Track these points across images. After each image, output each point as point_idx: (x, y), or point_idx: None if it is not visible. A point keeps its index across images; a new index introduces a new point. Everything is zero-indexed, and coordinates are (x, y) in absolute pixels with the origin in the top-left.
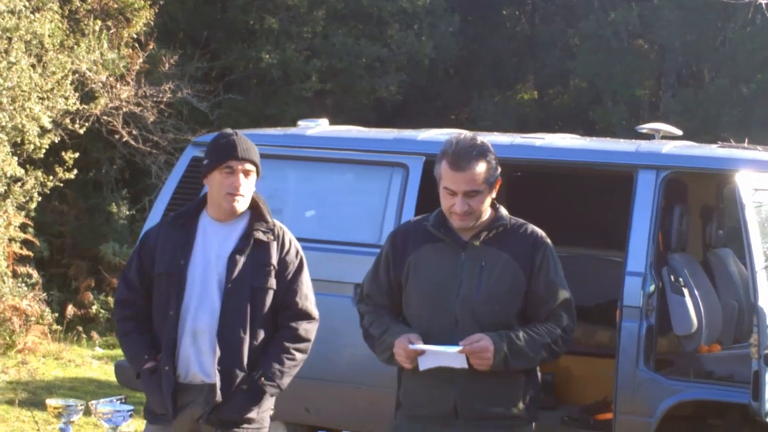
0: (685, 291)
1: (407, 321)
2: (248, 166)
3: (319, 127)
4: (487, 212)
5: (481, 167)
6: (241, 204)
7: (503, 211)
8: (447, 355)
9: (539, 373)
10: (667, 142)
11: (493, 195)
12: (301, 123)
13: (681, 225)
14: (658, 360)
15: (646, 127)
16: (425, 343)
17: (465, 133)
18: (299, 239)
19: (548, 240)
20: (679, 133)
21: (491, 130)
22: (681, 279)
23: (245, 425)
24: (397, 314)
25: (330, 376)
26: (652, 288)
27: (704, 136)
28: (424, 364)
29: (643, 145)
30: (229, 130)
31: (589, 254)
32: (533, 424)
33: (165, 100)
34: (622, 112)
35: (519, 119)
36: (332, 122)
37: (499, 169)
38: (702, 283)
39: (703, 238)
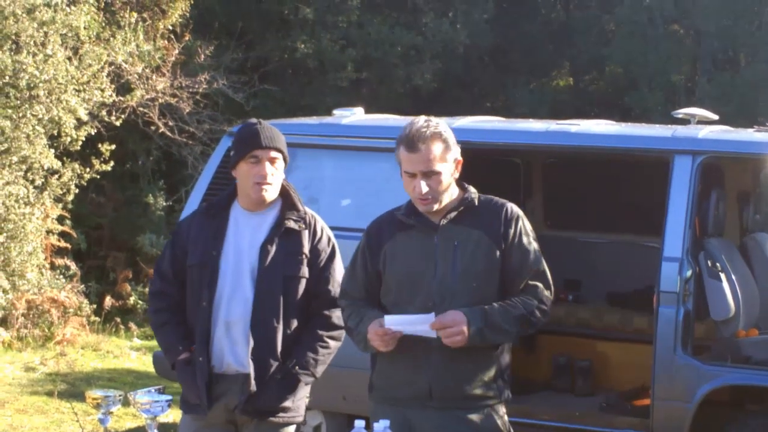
0: (722, 276)
1: (387, 310)
2: (273, 154)
3: (354, 116)
4: (452, 193)
5: (436, 147)
6: (270, 193)
7: (471, 189)
8: (419, 323)
9: (509, 353)
10: (703, 127)
11: (455, 175)
12: (337, 112)
13: (717, 210)
14: (695, 345)
15: (681, 112)
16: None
17: (421, 117)
18: (335, 228)
19: (520, 212)
20: (715, 117)
21: (527, 117)
22: (718, 264)
23: (281, 414)
24: (374, 306)
25: (367, 365)
26: (689, 273)
27: (740, 121)
28: (395, 325)
29: (680, 130)
30: (253, 120)
31: (625, 240)
32: (503, 406)
33: (201, 91)
34: (658, 98)
35: (554, 106)
36: (368, 111)
37: (458, 149)
38: (739, 268)
39: (739, 223)
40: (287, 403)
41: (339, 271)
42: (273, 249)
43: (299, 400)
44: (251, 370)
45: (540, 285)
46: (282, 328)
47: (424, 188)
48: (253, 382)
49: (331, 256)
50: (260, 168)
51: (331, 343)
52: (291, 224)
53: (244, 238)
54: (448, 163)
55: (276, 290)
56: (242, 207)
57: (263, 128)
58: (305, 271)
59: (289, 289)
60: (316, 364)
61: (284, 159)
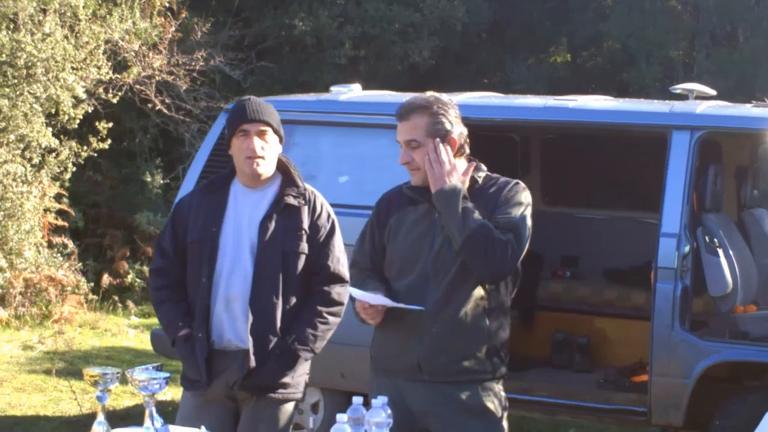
0: (720, 252)
1: (390, 283)
2: (262, 127)
3: (351, 92)
4: (458, 169)
5: (422, 119)
6: (263, 167)
7: (482, 168)
8: (377, 301)
9: (508, 330)
10: (701, 103)
11: (459, 152)
12: (334, 89)
13: (715, 185)
14: (693, 321)
15: (679, 87)
16: (396, 300)
17: (426, 93)
18: (333, 205)
19: (520, 184)
20: (714, 93)
21: (525, 93)
22: (716, 240)
23: (280, 390)
24: (380, 278)
25: (366, 342)
26: (686, 249)
27: (739, 97)
28: (362, 298)
29: (677, 106)
30: (244, 97)
31: (623, 216)
32: (501, 380)
33: (197, 68)
34: (656, 74)
35: (552, 82)
36: (365, 88)
37: (457, 129)
38: (737, 244)
39: (737, 199)
40: (286, 379)
41: (339, 247)
42: (272, 225)
43: (299, 377)
44: (251, 346)
45: (510, 233)
46: (281, 304)
47: (406, 158)
48: (252, 357)
49: (331, 232)
50: (249, 142)
51: (331, 318)
52: (290, 200)
53: (244, 215)
54: (435, 137)
55: (275, 266)
56: (241, 184)
57: (250, 102)
58: (305, 247)
59: (288, 265)
60: (315, 340)
61: (276, 133)
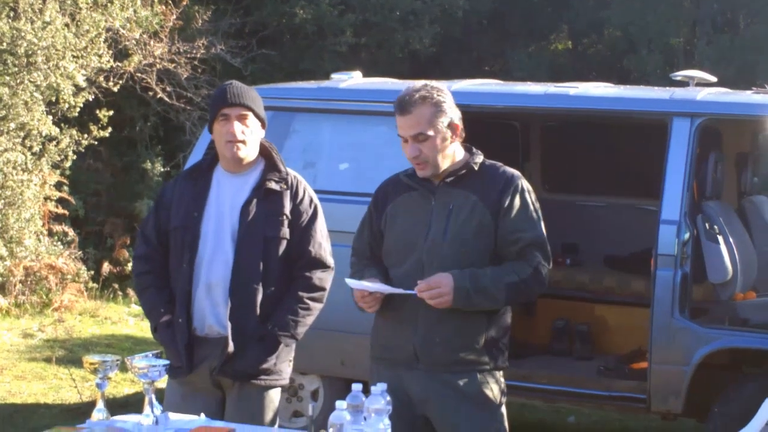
0: (720, 239)
1: (387, 271)
2: (242, 111)
3: (352, 79)
4: (455, 157)
5: (425, 110)
6: (244, 151)
7: (478, 154)
8: (377, 290)
9: (507, 319)
10: (702, 89)
11: (454, 140)
12: (335, 76)
13: (716, 172)
14: (693, 308)
15: (680, 74)
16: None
17: (419, 82)
18: (333, 192)
19: (522, 180)
20: (714, 80)
21: (525, 80)
22: (716, 227)
23: (262, 377)
24: (379, 266)
25: (366, 330)
26: (686, 236)
27: (739, 83)
28: (359, 287)
29: (678, 93)
30: (227, 82)
31: (623, 203)
32: (500, 371)
33: (198, 56)
34: (657, 61)
35: (553, 70)
36: (366, 76)
37: (457, 114)
38: (737, 231)
39: (737, 186)
40: (268, 365)
41: (321, 232)
42: (253, 210)
43: (282, 363)
44: (229, 331)
45: (538, 254)
46: (262, 290)
47: (414, 152)
48: (231, 343)
49: (313, 217)
50: (229, 126)
51: (312, 304)
52: (272, 185)
53: (226, 200)
54: (439, 128)
55: (256, 252)
56: (224, 169)
57: (231, 86)
58: (286, 232)
59: (269, 251)
60: (296, 326)
61: (258, 117)
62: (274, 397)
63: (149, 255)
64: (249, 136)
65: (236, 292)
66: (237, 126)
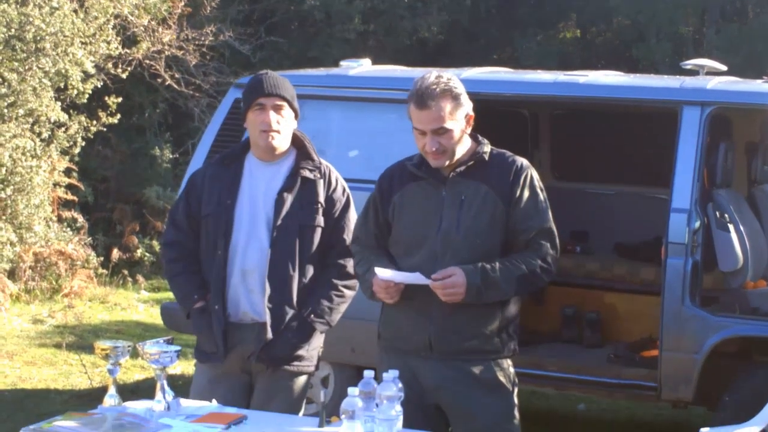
0: (731, 227)
1: (395, 260)
2: (278, 102)
3: (361, 67)
4: (464, 146)
5: (446, 104)
6: (278, 140)
7: (485, 143)
8: (411, 280)
9: (517, 306)
10: (712, 78)
11: (467, 130)
12: (344, 63)
13: (726, 161)
14: (703, 297)
15: (690, 63)
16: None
17: (432, 71)
18: (343, 179)
19: (531, 169)
20: (724, 68)
21: (534, 69)
22: (726, 215)
23: (295, 362)
24: (388, 255)
25: (375, 317)
26: (697, 224)
27: (749, 72)
28: (387, 278)
29: (688, 81)
30: (262, 71)
31: (633, 191)
32: (510, 359)
33: (207, 43)
34: (666, 50)
35: (562, 58)
36: (375, 63)
37: (470, 105)
38: (747, 219)
39: (748, 174)
40: (301, 352)
41: (354, 221)
42: (289, 198)
43: (313, 350)
44: (268, 318)
45: (545, 244)
46: (297, 277)
47: (434, 146)
48: (269, 330)
49: (346, 206)
50: (264, 116)
51: (346, 291)
52: (306, 173)
53: (259, 188)
54: (458, 120)
55: (292, 239)
56: (256, 157)
57: (268, 77)
58: (321, 220)
59: (304, 238)
60: (331, 313)
61: (292, 108)
62: (302, 383)
63: (180, 241)
64: (283, 126)
65: (273, 278)
66: (272, 116)
